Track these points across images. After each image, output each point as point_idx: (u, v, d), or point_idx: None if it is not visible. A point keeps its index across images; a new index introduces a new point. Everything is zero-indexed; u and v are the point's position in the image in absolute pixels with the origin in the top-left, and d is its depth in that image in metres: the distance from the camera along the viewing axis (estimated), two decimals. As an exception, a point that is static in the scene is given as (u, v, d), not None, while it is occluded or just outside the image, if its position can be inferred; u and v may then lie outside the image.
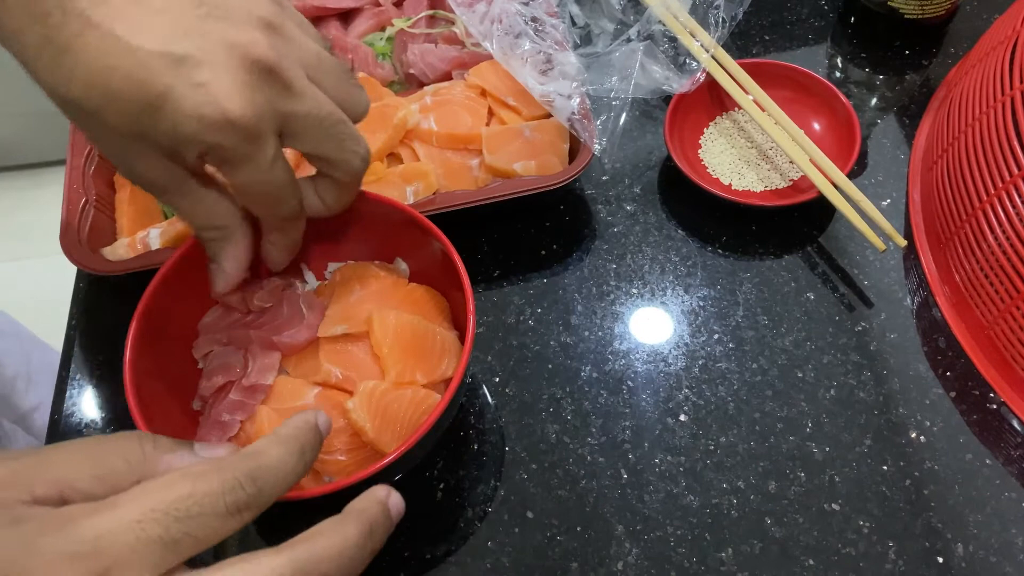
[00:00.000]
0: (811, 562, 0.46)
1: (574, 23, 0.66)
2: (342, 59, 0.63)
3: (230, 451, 0.32)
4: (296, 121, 0.36)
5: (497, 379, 0.53)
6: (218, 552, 0.36)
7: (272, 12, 0.36)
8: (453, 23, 0.64)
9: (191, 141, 0.34)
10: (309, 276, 0.51)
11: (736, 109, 0.64)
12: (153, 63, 0.33)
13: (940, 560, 0.46)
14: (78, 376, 0.55)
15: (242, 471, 0.29)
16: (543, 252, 0.59)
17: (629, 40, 0.63)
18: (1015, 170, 0.47)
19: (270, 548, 0.28)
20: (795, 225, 0.59)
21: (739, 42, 0.69)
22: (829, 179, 0.56)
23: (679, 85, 0.60)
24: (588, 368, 0.53)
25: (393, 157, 0.58)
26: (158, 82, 0.33)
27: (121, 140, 0.35)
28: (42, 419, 0.71)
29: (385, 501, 0.33)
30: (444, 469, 0.50)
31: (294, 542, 0.29)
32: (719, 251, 0.58)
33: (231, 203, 0.40)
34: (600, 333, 0.55)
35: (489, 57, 0.59)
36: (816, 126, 0.62)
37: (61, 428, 0.53)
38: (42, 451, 0.30)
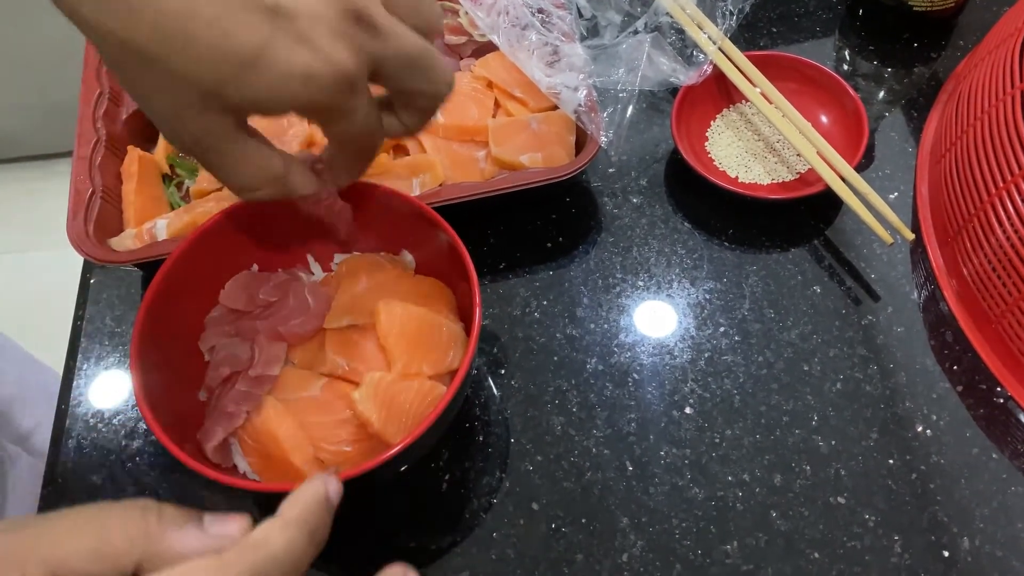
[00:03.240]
0: (816, 555, 0.46)
1: (581, 15, 0.66)
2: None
3: (241, 528, 0.31)
4: (387, 63, 0.34)
5: (503, 371, 0.53)
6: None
7: None
8: (459, 14, 0.63)
9: (288, 100, 0.32)
10: (315, 267, 0.51)
11: (743, 102, 0.64)
12: (246, 13, 0.29)
13: (946, 554, 0.46)
14: (85, 367, 0.55)
15: (247, 567, 0.27)
16: (549, 244, 0.58)
17: (636, 32, 0.62)
18: (1024, 163, 0.47)
19: (215, 554, 0.27)
20: (802, 218, 0.58)
21: (746, 34, 0.69)
22: (836, 172, 0.56)
23: (686, 77, 0.60)
24: (594, 360, 0.53)
25: (399, 149, 0.58)
26: (253, 35, 0.30)
27: (181, 96, 0.31)
28: (42, 439, 0.69)
29: (326, 496, 0.32)
30: (450, 460, 0.50)
31: (240, 545, 0.28)
32: (725, 244, 0.58)
33: (275, 151, 0.37)
34: (606, 326, 0.55)
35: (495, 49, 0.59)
36: (823, 119, 0.62)
37: (68, 419, 0.53)
38: (42, 523, 0.28)
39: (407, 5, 0.35)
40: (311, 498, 0.30)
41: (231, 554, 0.27)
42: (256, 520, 0.31)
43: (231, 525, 0.31)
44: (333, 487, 0.32)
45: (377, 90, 0.37)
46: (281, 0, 0.30)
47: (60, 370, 0.56)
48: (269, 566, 0.28)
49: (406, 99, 0.38)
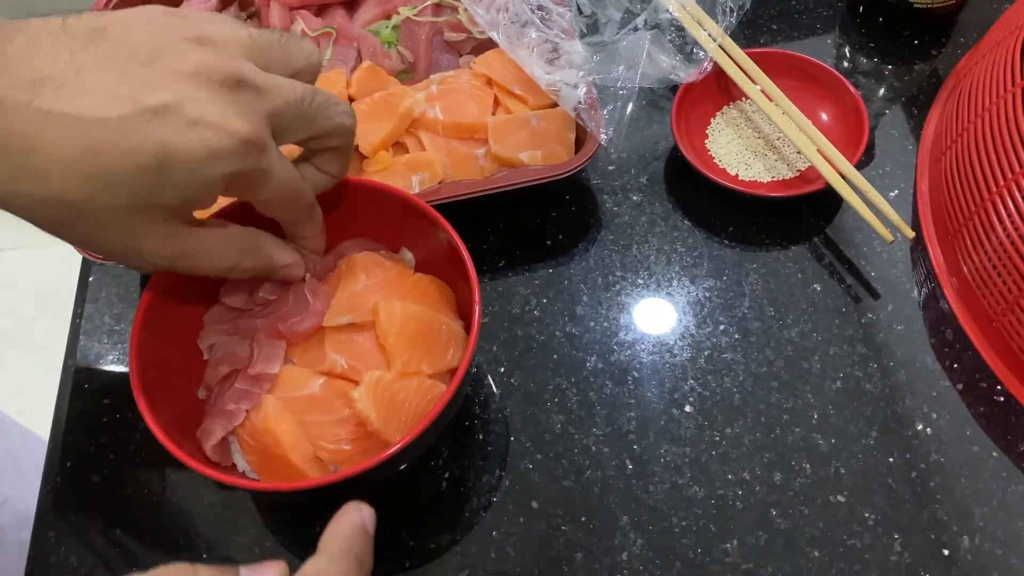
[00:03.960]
0: (816, 554, 0.46)
1: (581, 12, 0.66)
2: (348, 48, 0.63)
3: (280, 574, 0.30)
4: (281, 117, 0.36)
5: (502, 369, 0.53)
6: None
7: (190, 26, 0.35)
8: (459, 11, 0.63)
9: (210, 182, 0.33)
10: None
11: (743, 99, 0.63)
12: (134, 125, 0.31)
13: (946, 552, 0.46)
14: (83, 365, 0.55)
15: None
16: (549, 242, 0.58)
17: (636, 29, 0.62)
18: (1025, 161, 0.47)
19: None
20: (802, 216, 0.58)
21: (747, 31, 0.69)
22: (837, 169, 0.56)
23: (686, 74, 0.60)
24: (593, 358, 0.53)
25: (399, 146, 0.58)
26: (152, 140, 0.31)
27: (122, 223, 0.33)
28: (8, 513, 0.67)
29: (362, 524, 0.32)
30: (449, 459, 0.50)
31: None
32: (725, 242, 0.58)
33: (239, 227, 0.41)
34: (606, 324, 0.55)
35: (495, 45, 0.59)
36: (824, 116, 0.61)
37: (66, 418, 0.53)
38: None
39: (278, 59, 0.37)
40: (349, 528, 0.30)
41: None
42: (291, 567, 0.30)
43: (269, 573, 0.30)
44: (367, 514, 0.32)
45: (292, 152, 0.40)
46: (161, 98, 0.32)
47: (59, 369, 0.56)
48: None
49: (316, 144, 0.40)
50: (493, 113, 0.58)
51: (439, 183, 0.55)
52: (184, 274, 0.39)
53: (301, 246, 0.45)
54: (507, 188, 0.53)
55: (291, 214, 0.41)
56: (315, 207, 0.42)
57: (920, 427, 0.50)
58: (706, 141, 0.62)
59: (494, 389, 0.53)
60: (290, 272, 0.44)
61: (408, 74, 0.64)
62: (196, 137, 0.32)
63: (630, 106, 0.59)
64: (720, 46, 0.61)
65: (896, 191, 0.59)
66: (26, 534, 0.49)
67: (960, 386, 0.51)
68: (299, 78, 0.38)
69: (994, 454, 0.49)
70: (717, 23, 0.61)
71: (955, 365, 0.52)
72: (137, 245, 0.35)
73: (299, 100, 0.36)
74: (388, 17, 0.65)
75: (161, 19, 0.34)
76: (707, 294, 0.55)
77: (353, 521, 0.31)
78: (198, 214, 0.39)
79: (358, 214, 0.48)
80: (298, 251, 0.44)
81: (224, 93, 0.33)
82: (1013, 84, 0.50)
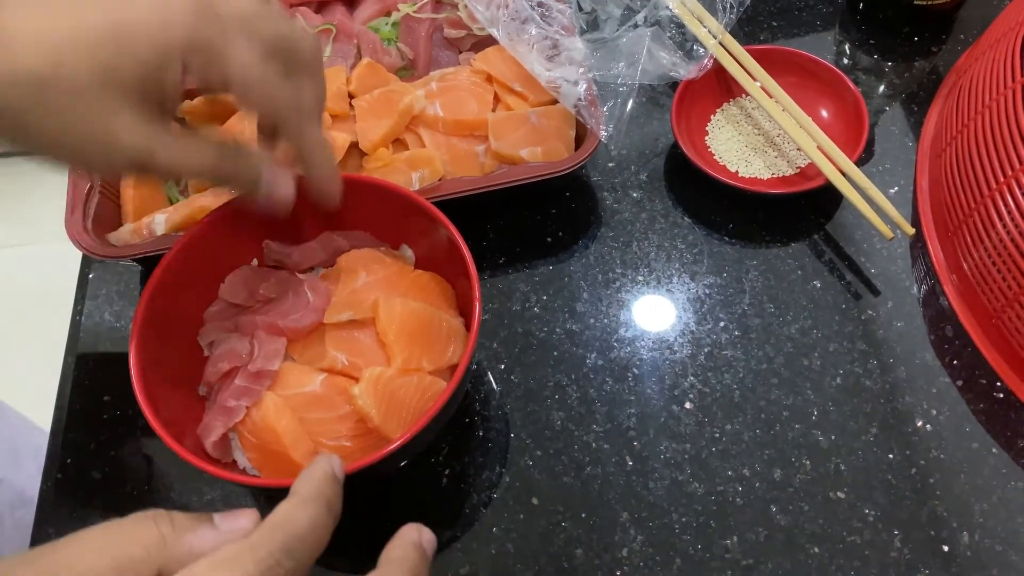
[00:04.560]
0: (816, 550, 0.46)
1: (581, 8, 0.66)
2: (347, 45, 0.63)
3: (252, 521, 0.31)
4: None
5: (502, 366, 0.53)
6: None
7: None
8: (458, 8, 0.63)
9: (172, 49, 0.33)
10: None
11: (743, 96, 0.63)
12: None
13: (945, 549, 0.46)
14: (84, 362, 0.55)
15: (277, 546, 0.27)
16: (549, 239, 0.58)
17: (636, 26, 0.62)
18: (1025, 158, 0.47)
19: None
20: (802, 213, 0.58)
21: (747, 28, 0.69)
22: (837, 166, 0.56)
23: (686, 71, 0.60)
24: (593, 355, 0.53)
25: (399, 143, 0.58)
26: (107, 8, 0.32)
27: (90, 99, 0.33)
28: (7, 492, 0.68)
29: (420, 542, 0.32)
30: (449, 455, 0.50)
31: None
32: (725, 239, 0.58)
33: (219, 136, 0.39)
34: (606, 320, 0.55)
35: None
36: (824, 113, 0.61)
37: (66, 415, 0.53)
38: (55, 549, 0.28)
39: None
40: (319, 474, 0.31)
41: (257, 536, 0.27)
42: (263, 514, 0.31)
43: (242, 519, 0.31)
44: (337, 463, 0.32)
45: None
46: None
47: (59, 366, 0.56)
48: (295, 543, 0.28)
49: (284, 59, 0.38)
50: (493, 110, 0.58)
51: (439, 180, 0.55)
52: (161, 178, 0.37)
53: (310, 180, 0.42)
54: (507, 185, 0.53)
55: (278, 113, 0.39)
56: (308, 120, 0.40)
57: (920, 423, 0.50)
58: (706, 138, 0.62)
59: (494, 386, 0.53)
60: (275, 192, 0.40)
61: (408, 71, 0.64)
62: (148, 2, 0.33)
63: (630, 103, 0.59)
64: (720, 43, 0.61)
65: (896, 188, 0.59)
66: (22, 513, 0.50)
67: (960, 383, 0.51)
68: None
69: (994, 450, 0.49)
70: (717, 20, 0.61)
71: (955, 362, 0.52)
72: (110, 129, 0.34)
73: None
74: (388, 14, 0.65)
75: None
76: (707, 291, 0.55)
77: (323, 468, 0.31)
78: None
79: (358, 211, 0.48)
80: (296, 181, 0.42)
81: None
82: (1013, 81, 0.50)
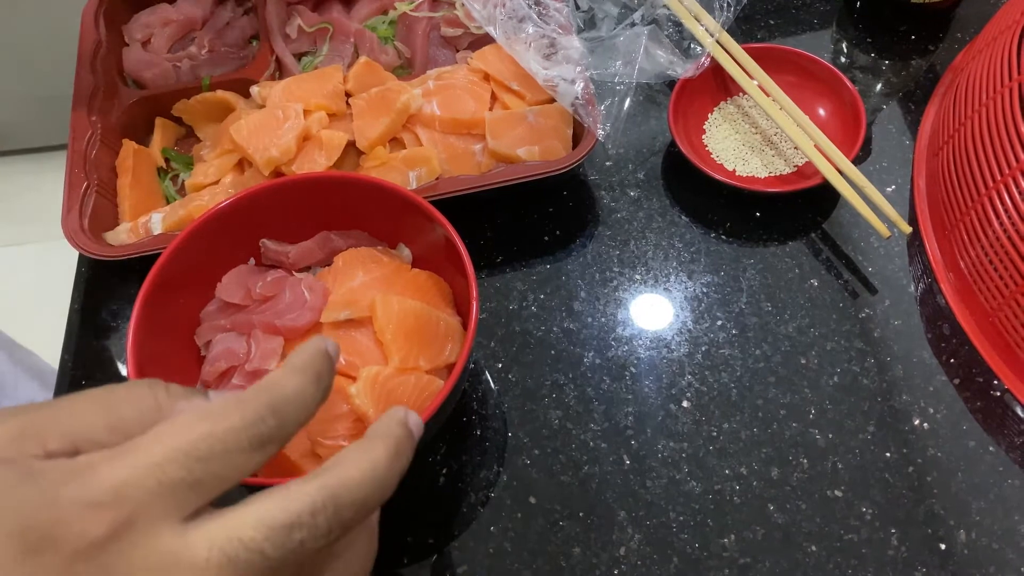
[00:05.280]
0: (813, 548, 0.46)
1: (578, 7, 0.66)
2: (345, 43, 0.63)
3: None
4: None
5: (500, 365, 0.53)
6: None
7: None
8: (456, 6, 0.63)
9: None
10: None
11: (741, 94, 0.63)
12: None
13: (942, 547, 0.46)
14: (80, 362, 0.55)
15: (263, 404, 0.27)
16: (546, 238, 0.58)
17: (633, 24, 0.62)
18: (1021, 157, 0.47)
19: (298, 478, 0.27)
20: (799, 211, 0.58)
21: (744, 26, 0.69)
22: (834, 165, 0.56)
23: (683, 70, 0.60)
24: (591, 354, 0.53)
25: (396, 142, 0.58)
26: None
27: None
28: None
29: (405, 421, 0.32)
30: (447, 455, 0.50)
31: (323, 469, 0.28)
32: (723, 237, 0.58)
33: None
34: (603, 319, 0.55)
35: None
36: (821, 112, 0.61)
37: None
38: (52, 404, 0.28)
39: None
40: (313, 349, 0.31)
41: (247, 393, 0.28)
42: None
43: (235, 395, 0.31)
44: (332, 344, 0.32)
45: None
46: None
47: (56, 365, 0.55)
48: (283, 403, 0.28)
49: None
50: (490, 109, 0.58)
51: (436, 179, 0.55)
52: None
53: None
54: (504, 184, 0.53)
55: None
56: None
57: (917, 422, 0.50)
58: (703, 137, 0.62)
59: (492, 385, 0.53)
60: None
61: (405, 70, 0.63)
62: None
63: (627, 102, 0.59)
64: (717, 41, 0.61)
65: (893, 186, 0.59)
66: None
67: (957, 381, 0.51)
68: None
69: (991, 448, 0.49)
70: (714, 18, 0.61)
71: (952, 360, 0.52)
72: None
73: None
74: (385, 12, 0.65)
75: None
76: (704, 290, 0.55)
77: (317, 344, 0.31)
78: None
79: (355, 210, 0.48)
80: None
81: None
82: (1010, 79, 0.50)
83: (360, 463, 0.29)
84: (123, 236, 0.54)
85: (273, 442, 0.28)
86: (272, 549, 0.26)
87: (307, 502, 0.26)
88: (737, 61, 0.60)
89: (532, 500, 0.48)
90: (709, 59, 0.60)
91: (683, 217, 0.59)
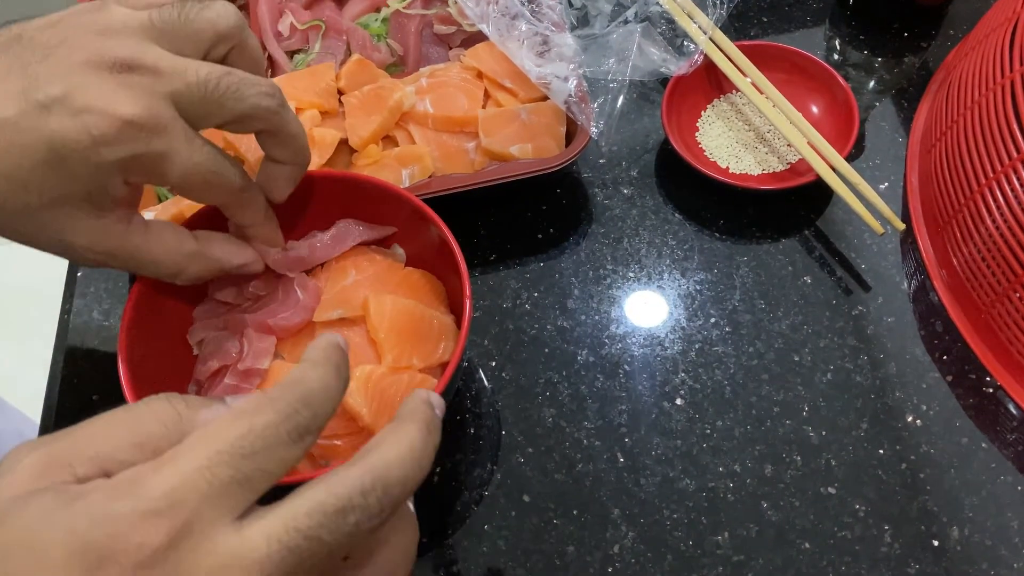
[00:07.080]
0: (807, 545, 0.46)
1: (571, 4, 0.66)
2: (337, 41, 0.63)
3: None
4: (183, 98, 0.35)
5: (494, 363, 0.53)
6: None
7: (96, 18, 0.35)
8: (448, 4, 0.63)
9: (108, 166, 0.34)
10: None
11: (734, 92, 0.63)
12: (27, 122, 0.32)
13: (936, 543, 0.46)
14: (72, 361, 0.55)
15: (295, 397, 0.28)
16: (540, 236, 0.58)
17: (627, 21, 0.62)
18: (1014, 153, 0.47)
19: (343, 464, 0.28)
20: (793, 208, 0.58)
21: (737, 24, 0.69)
22: (827, 162, 0.56)
23: (677, 67, 0.60)
24: (585, 352, 0.53)
25: (388, 140, 0.57)
26: (43, 134, 0.32)
27: (41, 220, 0.35)
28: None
29: (428, 399, 0.32)
30: (441, 453, 0.50)
31: (364, 452, 0.29)
32: (716, 235, 0.58)
33: (182, 230, 0.41)
34: (597, 317, 0.55)
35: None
36: (814, 109, 0.61)
37: (55, 415, 0.53)
38: (73, 431, 0.28)
39: (184, 37, 0.36)
40: (326, 343, 0.31)
41: (274, 390, 0.28)
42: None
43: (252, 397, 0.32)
44: (341, 338, 0.33)
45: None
46: (51, 92, 0.33)
47: (47, 365, 0.55)
48: (311, 395, 0.28)
49: (242, 128, 0.38)
50: (483, 106, 0.58)
51: (429, 177, 0.55)
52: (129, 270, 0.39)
53: (251, 237, 0.44)
54: (497, 182, 0.53)
55: (219, 198, 0.40)
56: (249, 192, 0.41)
57: (910, 419, 0.50)
58: (697, 134, 0.62)
59: (485, 383, 0.53)
60: (248, 270, 0.44)
61: (397, 67, 0.63)
62: (80, 125, 0.33)
63: (620, 99, 0.59)
64: (710, 39, 0.61)
65: (886, 183, 0.59)
66: None
67: (950, 378, 0.51)
68: (217, 49, 0.37)
69: (983, 445, 0.49)
70: (707, 15, 0.61)
71: (945, 357, 0.52)
72: (65, 239, 0.36)
73: (202, 82, 0.35)
74: (377, 10, 0.65)
75: (74, 18, 0.35)
76: (698, 287, 0.56)
77: (329, 338, 0.32)
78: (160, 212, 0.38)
79: (347, 208, 0.48)
80: (253, 246, 0.44)
81: (114, 76, 0.33)
82: (1003, 76, 0.50)
83: (399, 443, 0.29)
84: (115, 235, 0.54)
85: (311, 432, 0.28)
86: (329, 534, 0.26)
87: (356, 485, 0.27)
88: (730, 58, 0.60)
89: (526, 498, 0.48)
90: (702, 56, 0.60)
91: (676, 215, 0.59)
